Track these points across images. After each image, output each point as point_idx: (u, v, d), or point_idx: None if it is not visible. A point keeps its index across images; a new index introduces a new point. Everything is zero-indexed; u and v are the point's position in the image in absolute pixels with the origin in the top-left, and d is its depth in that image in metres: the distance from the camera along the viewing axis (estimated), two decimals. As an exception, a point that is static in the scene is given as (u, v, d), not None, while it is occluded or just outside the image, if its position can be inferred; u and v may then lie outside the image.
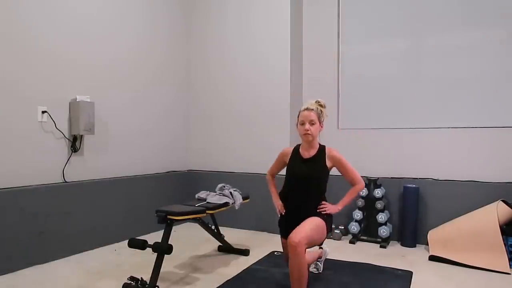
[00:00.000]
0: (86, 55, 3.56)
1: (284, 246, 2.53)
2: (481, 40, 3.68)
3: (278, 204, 2.55)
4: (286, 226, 2.46)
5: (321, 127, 2.44)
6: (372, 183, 3.89)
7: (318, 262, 2.93)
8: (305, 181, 2.40)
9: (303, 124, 2.39)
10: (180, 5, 4.74)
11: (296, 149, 2.52)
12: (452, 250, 3.24)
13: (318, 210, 2.38)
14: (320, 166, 2.41)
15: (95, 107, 3.55)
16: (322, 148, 2.46)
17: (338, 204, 2.46)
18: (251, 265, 3.14)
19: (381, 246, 3.72)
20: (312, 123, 2.37)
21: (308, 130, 2.36)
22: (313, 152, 2.45)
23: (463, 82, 3.75)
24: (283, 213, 2.50)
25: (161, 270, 2.67)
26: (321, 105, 2.44)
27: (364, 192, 3.89)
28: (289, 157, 2.52)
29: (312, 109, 2.38)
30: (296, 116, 2.50)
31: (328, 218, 2.41)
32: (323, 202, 2.43)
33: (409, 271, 3.02)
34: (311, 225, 2.26)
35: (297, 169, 2.44)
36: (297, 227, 2.24)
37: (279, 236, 2.61)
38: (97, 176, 3.67)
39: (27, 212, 3.02)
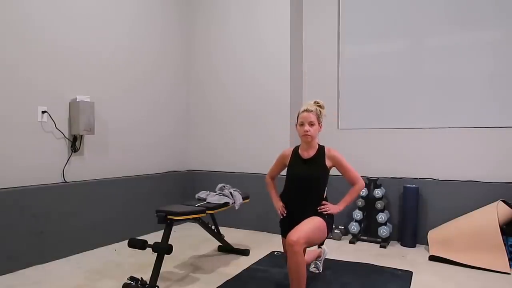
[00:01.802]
0: (86, 55, 3.56)
1: (284, 245, 2.53)
2: (481, 40, 3.68)
3: (278, 206, 2.54)
4: (287, 227, 2.45)
5: (320, 127, 2.45)
6: (372, 183, 3.88)
7: (317, 262, 2.94)
8: (305, 182, 2.41)
9: (302, 125, 2.40)
10: (182, 2, 4.74)
11: (296, 150, 2.53)
12: (452, 250, 3.24)
13: (319, 210, 2.38)
14: (320, 166, 2.41)
15: (95, 107, 3.55)
16: (321, 148, 2.47)
17: (339, 204, 2.45)
18: (251, 265, 3.14)
19: (381, 246, 3.72)
20: (311, 124, 2.37)
21: (307, 131, 2.37)
22: (312, 152, 2.45)
23: (463, 82, 3.75)
24: (284, 215, 2.50)
25: (161, 270, 2.67)
26: (320, 106, 2.45)
27: (364, 192, 3.89)
28: (289, 159, 2.53)
29: (311, 110, 2.38)
30: (296, 117, 2.50)
31: (329, 218, 2.41)
32: (324, 202, 2.42)
33: (409, 271, 3.02)
34: (310, 225, 2.26)
35: (297, 170, 2.45)
36: (296, 226, 2.25)
37: (279, 236, 2.61)
38: (97, 176, 3.67)
39: (27, 212, 3.02)
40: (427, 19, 3.91)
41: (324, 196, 2.47)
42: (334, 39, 4.35)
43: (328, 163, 2.42)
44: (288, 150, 2.59)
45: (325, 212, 2.37)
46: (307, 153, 2.46)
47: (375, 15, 4.16)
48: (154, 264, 2.57)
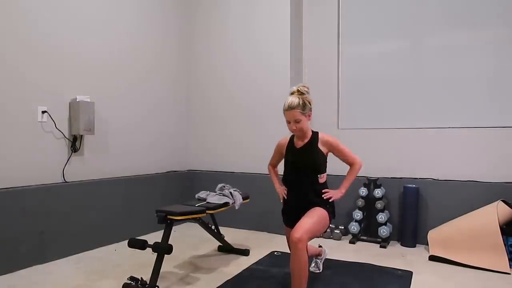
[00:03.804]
0: (86, 55, 3.56)
1: (288, 235, 2.54)
2: (481, 40, 3.68)
3: (280, 190, 2.54)
4: (289, 215, 2.47)
5: (309, 117, 2.37)
6: (372, 183, 3.88)
7: (318, 261, 2.94)
8: (302, 169, 2.40)
9: (289, 123, 2.37)
10: (182, 2, 4.74)
11: (291, 139, 2.53)
12: (452, 250, 3.24)
13: (324, 198, 2.36)
14: (315, 153, 2.40)
15: (95, 107, 3.55)
16: (314, 135, 2.45)
17: (340, 188, 2.44)
18: (251, 265, 3.14)
19: (381, 246, 3.72)
20: (297, 121, 2.33)
21: (295, 129, 2.36)
22: (306, 140, 2.45)
23: (463, 82, 3.75)
24: (285, 197, 2.48)
25: (161, 270, 2.67)
26: (302, 93, 2.34)
27: (364, 192, 3.89)
28: (285, 147, 2.53)
29: (294, 107, 2.29)
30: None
31: (330, 207, 2.41)
32: (326, 190, 2.41)
33: (409, 271, 3.02)
34: (312, 218, 2.26)
35: (293, 159, 2.45)
36: (299, 221, 2.25)
37: (279, 236, 2.61)
38: (97, 176, 3.67)
39: (27, 212, 3.02)
40: (427, 19, 3.91)
41: (324, 182, 2.44)
42: (334, 39, 4.35)
43: (323, 149, 2.41)
44: (284, 139, 2.58)
45: (330, 200, 2.36)
46: (301, 142, 2.45)
47: (375, 15, 4.16)
48: (154, 264, 2.57)
